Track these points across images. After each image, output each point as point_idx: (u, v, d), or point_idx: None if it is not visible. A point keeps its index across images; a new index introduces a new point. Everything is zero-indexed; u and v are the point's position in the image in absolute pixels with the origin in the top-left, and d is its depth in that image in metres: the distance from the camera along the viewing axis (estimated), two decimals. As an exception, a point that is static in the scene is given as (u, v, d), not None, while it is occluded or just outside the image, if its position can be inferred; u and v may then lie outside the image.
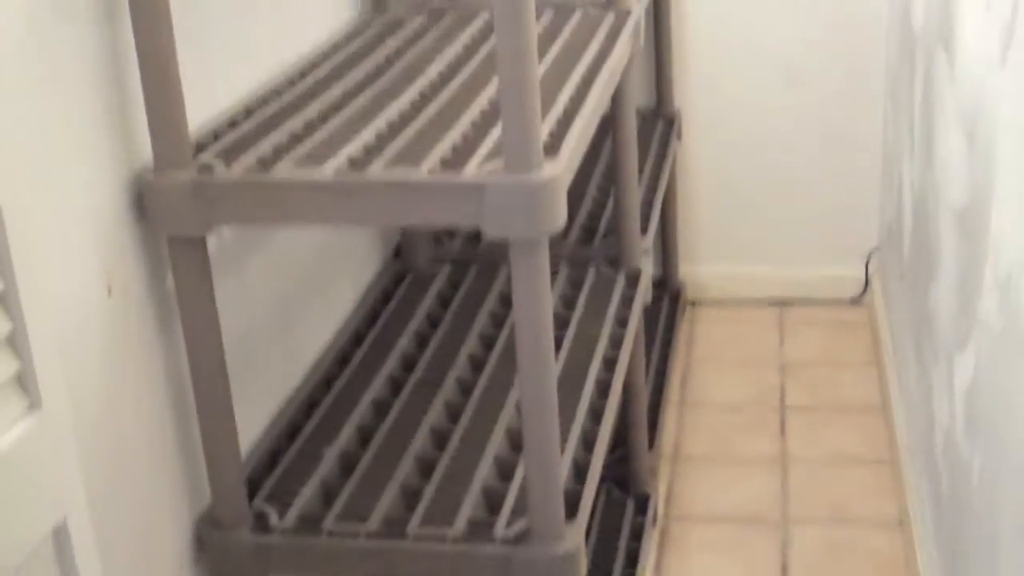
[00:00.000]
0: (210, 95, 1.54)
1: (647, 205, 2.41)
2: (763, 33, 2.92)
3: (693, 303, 3.17)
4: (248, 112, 1.57)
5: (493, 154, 1.37)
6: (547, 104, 1.55)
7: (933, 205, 2.10)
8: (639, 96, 2.92)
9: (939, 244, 2.02)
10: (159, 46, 1.32)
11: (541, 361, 1.36)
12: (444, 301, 2.08)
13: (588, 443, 1.65)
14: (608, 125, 2.07)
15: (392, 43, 1.87)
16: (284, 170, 1.35)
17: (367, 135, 1.47)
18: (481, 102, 1.59)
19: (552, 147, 1.39)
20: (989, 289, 1.59)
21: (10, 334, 1.04)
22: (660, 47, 2.86)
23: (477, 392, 1.78)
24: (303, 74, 1.73)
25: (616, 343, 1.91)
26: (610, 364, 1.85)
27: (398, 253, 2.21)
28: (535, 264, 1.32)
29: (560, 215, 1.32)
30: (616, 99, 2.02)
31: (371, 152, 1.42)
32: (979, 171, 1.70)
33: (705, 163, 3.06)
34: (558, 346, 1.86)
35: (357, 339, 1.95)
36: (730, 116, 3.01)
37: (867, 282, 3.11)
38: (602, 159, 2.66)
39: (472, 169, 1.33)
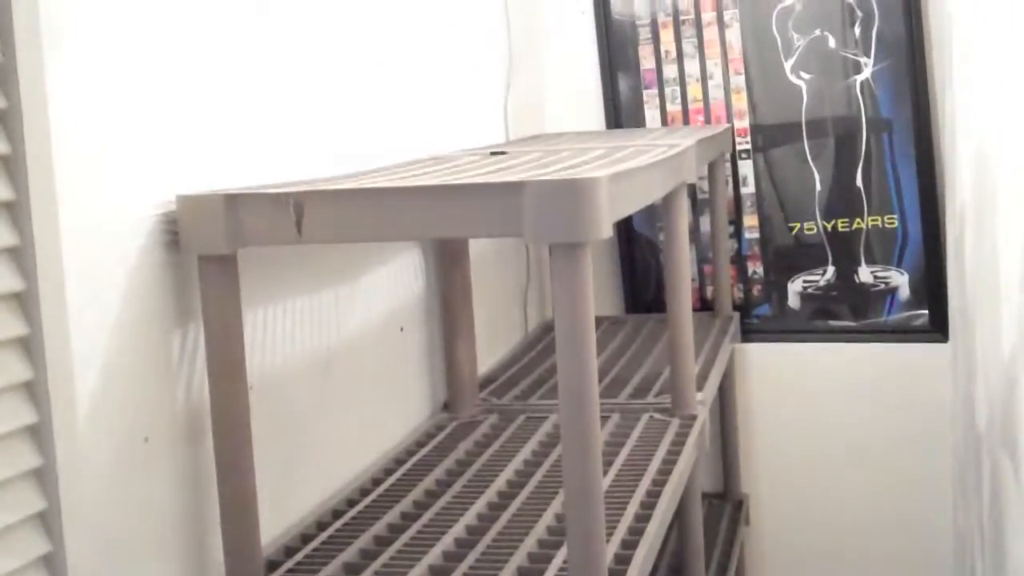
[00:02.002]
0: (284, 504, 1.59)
1: (715, 599, 2.38)
2: (829, 416, 2.96)
3: None
4: (321, 525, 1.61)
5: (559, 582, 1.39)
6: (613, 520, 1.58)
7: (1009, 612, 2.06)
8: (704, 481, 2.94)
9: (1017, 655, 1.96)
10: (239, 471, 1.38)
11: None
12: None
13: None
14: (674, 516, 2.08)
15: (464, 447, 1.93)
16: (353, 597, 1.38)
17: (435, 554, 1.49)
18: (548, 517, 1.62)
19: (619, 573, 1.40)
20: None
21: None
22: (726, 436, 2.91)
23: None
24: (376, 481, 1.78)
25: None
26: None
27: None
28: None
29: (624, 647, 1.33)
30: (682, 496, 2.04)
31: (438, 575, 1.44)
32: (1052, 591, 1.67)
33: (774, 547, 3.03)
34: None
35: None
36: (799, 498, 3.01)
37: (947, 674, 2.99)
38: (669, 544, 2.65)
39: (537, 599, 1.35)
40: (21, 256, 1.13)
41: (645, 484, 1.74)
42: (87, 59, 1.20)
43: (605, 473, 1.74)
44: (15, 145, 1.12)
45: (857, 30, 2.85)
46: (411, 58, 2.10)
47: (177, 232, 1.35)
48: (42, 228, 1.13)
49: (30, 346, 1.14)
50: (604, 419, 2.01)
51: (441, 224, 1.32)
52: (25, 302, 1.13)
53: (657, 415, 2.05)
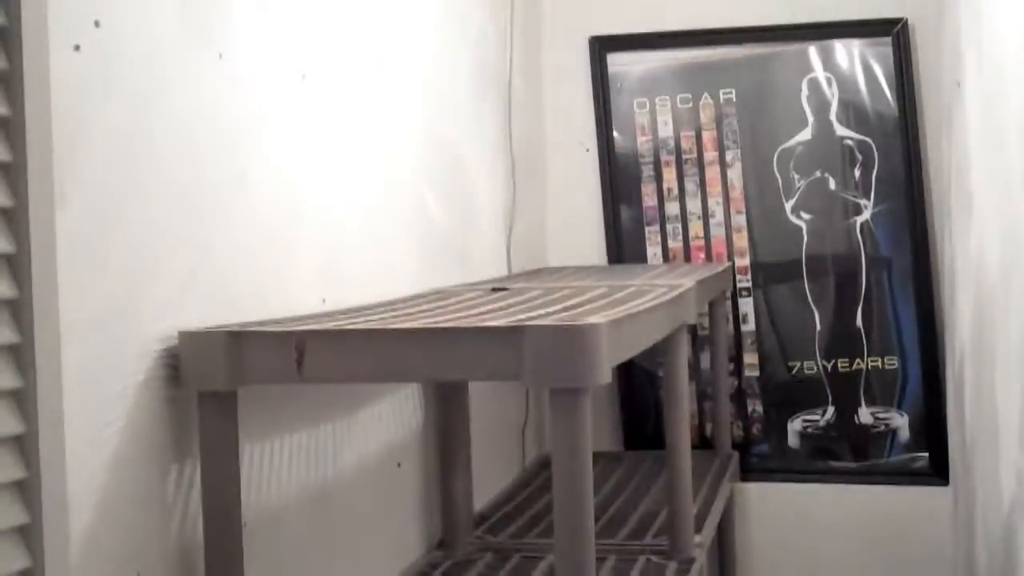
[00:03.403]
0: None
1: None
2: (829, 559, 2.92)
3: None
4: (311, 667, 1.58)
5: None
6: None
7: None
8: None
9: None
10: (231, 612, 1.36)
11: None
12: None
13: None
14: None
15: (457, 586, 1.91)
16: None
17: None
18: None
19: None
20: None
21: None
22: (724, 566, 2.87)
23: None
24: (368, 621, 1.75)
25: None
26: None
27: None
28: None
29: None
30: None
31: None
32: None
33: None
34: None
35: None
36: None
37: None
38: None
39: None
40: (23, 398, 1.13)
41: (641, 630, 1.72)
42: (92, 204, 1.22)
43: (601, 618, 1.71)
44: (22, 287, 1.13)
45: (857, 172, 2.89)
46: (416, 190, 2.13)
47: (177, 367, 1.35)
48: (45, 370, 1.13)
49: (27, 490, 1.13)
50: (600, 561, 1.98)
51: (441, 367, 1.33)
52: (25, 444, 1.13)
53: (654, 558, 2.03)
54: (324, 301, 1.73)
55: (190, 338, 1.35)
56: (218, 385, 1.34)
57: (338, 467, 1.77)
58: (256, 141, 1.56)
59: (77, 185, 1.19)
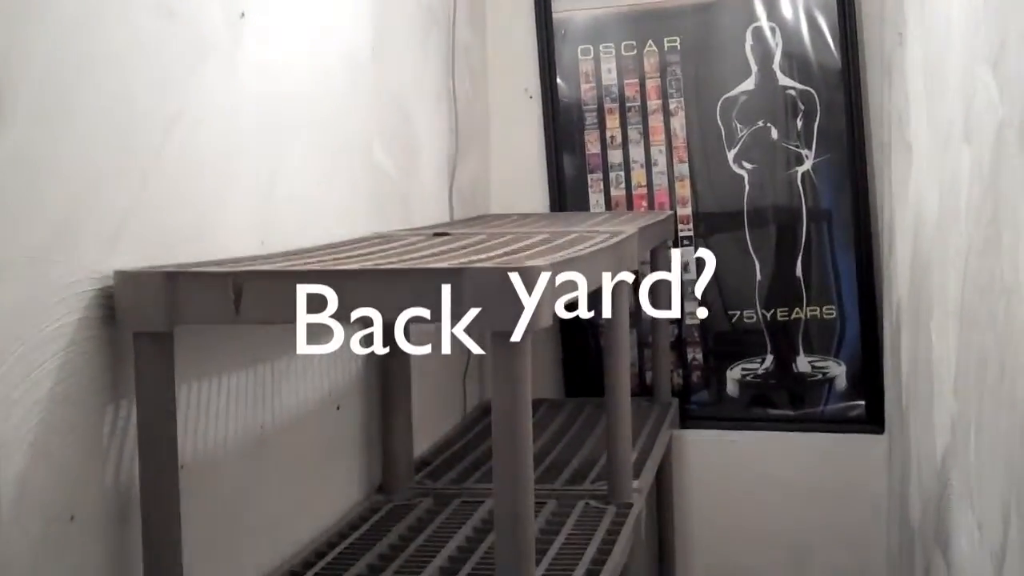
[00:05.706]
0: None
1: None
2: (765, 506, 2.96)
3: None
4: (248, 611, 1.58)
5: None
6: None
7: None
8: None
9: None
10: (166, 552, 1.36)
11: None
12: None
13: None
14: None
15: (397, 530, 1.90)
16: None
17: (364, 642, 1.47)
18: (480, 606, 1.60)
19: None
20: None
21: None
22: (662, 522, 2.89)
23: None
24: (307, 564, 1.74)
25: None
26: None
27: None
28: None
29: None
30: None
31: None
32: None
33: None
34: None
35: None
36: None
37: None
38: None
39: None
40: (-50, 332, 1.11)
41: (579, 573, 1.73)
42: (24, 139, 1.20)
43: (539, 561, 1.72)
44: (-50, 219, 1.10)
45: (799, 123, 2.90)
46: (359, 134, 2.11)
47: (113, 307, 1.33)
48: (-27, 304, 1.11)
49: (-46, 425, 1.12)
50: (539, 506, 1.99)
51: (380, 309, 1.31)
52: (-48, 379, 1.11)
53: (593, 502, 2.04)
54: (263, 244, 1.71)
55: (126, 278, 1.33)
56: (154, 325, 1.33)
57: (277, 409, 1.76)
58: (194, 79, 1.53)
59: (7, 119, 1.16)
